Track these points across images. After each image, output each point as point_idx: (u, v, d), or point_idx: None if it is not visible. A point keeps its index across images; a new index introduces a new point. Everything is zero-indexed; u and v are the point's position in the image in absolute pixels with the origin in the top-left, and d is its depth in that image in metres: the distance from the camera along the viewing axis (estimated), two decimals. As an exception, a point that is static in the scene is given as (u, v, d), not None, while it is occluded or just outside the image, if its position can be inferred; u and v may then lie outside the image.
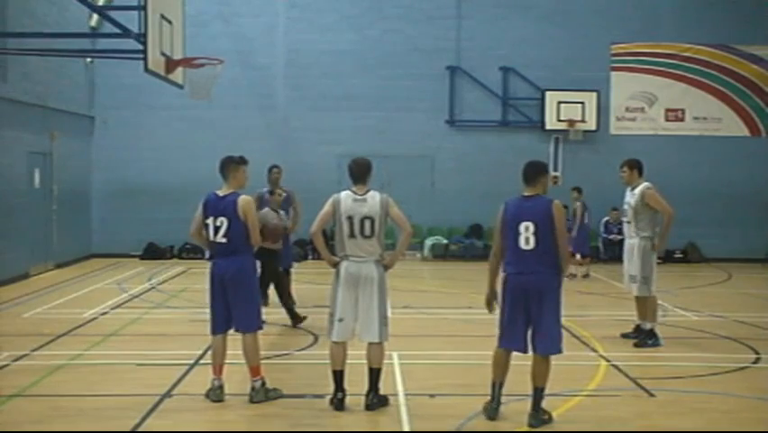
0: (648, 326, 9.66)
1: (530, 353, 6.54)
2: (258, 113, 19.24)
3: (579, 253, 15.70)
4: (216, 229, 7.10)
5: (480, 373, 7.33)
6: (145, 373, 8.20)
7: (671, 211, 9.53)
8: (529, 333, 6.54)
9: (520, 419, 6.59)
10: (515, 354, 6.65)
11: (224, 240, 7.09)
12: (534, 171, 6.68)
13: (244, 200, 7.11)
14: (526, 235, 6.45)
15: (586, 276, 16.02)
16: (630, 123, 19.43)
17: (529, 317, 6.48)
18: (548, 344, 6.47)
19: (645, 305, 9.69)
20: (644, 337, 9.62)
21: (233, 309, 7.13)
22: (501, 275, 6.69)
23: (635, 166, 9.81)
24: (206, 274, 7.35)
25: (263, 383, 7.17)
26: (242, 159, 7.37)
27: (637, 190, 9.64)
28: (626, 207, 9.85)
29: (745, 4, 19.31)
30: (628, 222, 9.78)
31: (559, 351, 6.52)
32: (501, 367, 6.61)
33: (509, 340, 6.59)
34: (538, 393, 6.53)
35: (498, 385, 6.61)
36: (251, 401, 7.10)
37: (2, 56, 14.00)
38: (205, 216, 7.16)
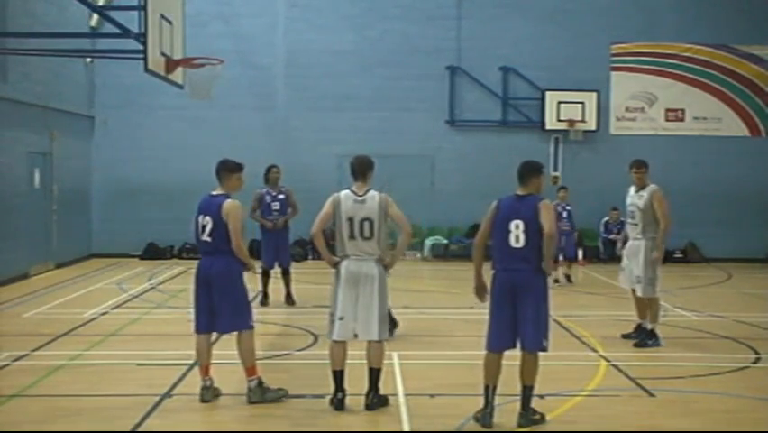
0: (649, 326, 9.65)
1: (518, 348, 6.51)
2: (258, 113, 19.23)
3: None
4: (203, 228, 7.14)
5: (479, 373, 7.29)
6: (145, 373, 8.20)
7: (669, 221, 9.51)
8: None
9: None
10: (508, 353, 6.60)
11: (208, 239, 7.13)
12: (528, 171, 6.68)
13: (229, 204, 7.09)
14: (516, 234, 6.47)
15: (557, 281, 14.66)
16: (630, 123, 19.43)
17: (515, 313, 6.45)
18: (533, 340, 6.43)
19: (647, 305, 9.67)
20: (644, 337, 9.62)
21: (218, 310, 7.08)
22: (490, 273, 6.65)
23: (648, 167, 9.77)
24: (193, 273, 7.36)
25: (259, 383, 7.15)
26: (238, 165, 7.33)
27: (646, 192, 9.59)
28: (631, 208, 9.76)
29: (744, 4, 19.31)
30: (635, 224, 9.70)
31: (543, 348, 6.48)
32: (493, 370, 6.53)
33: (498, 340, 6.54)
34: (527, 392, 6.51)
35: (491, 389, 6.51)
36: (249, 402, 7.08)
37: (2, 56, 13.99)
38: (197, 215, 7.21)
